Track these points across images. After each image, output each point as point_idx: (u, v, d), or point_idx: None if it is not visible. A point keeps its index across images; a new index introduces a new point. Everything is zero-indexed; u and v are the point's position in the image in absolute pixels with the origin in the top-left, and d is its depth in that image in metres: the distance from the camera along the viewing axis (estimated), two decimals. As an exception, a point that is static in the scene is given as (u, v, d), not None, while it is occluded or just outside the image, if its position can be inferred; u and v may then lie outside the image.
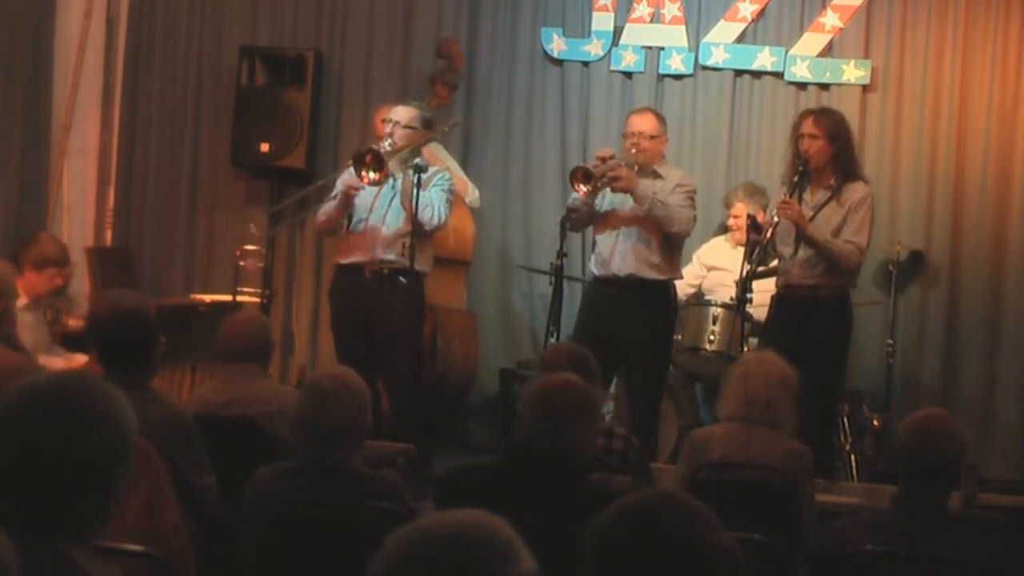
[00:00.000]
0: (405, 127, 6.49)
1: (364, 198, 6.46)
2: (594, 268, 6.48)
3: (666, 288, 6.44)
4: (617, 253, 6.35)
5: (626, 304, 6.34)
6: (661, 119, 6.54)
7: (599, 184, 6.23)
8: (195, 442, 4.09)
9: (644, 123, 6.44)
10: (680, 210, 6.31)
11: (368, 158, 6.25)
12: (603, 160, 6.30)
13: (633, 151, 6.34)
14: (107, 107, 8.39)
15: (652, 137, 6.39)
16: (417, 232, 6.32)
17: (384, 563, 1.64)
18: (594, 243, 6.54)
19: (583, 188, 6.23)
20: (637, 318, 6.32)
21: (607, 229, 6.43)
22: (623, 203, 6.38)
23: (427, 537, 1.65)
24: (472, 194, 7.49)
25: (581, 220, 6.49)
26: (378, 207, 6.46)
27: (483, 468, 3.97)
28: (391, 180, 6.40)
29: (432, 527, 1.66)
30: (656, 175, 6.37)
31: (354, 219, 6.51)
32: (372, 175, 6.25)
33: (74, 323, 6.52)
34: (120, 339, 4.10)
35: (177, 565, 3.09)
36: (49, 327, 6.27)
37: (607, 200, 6.42)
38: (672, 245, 6.41)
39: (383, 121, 6.66)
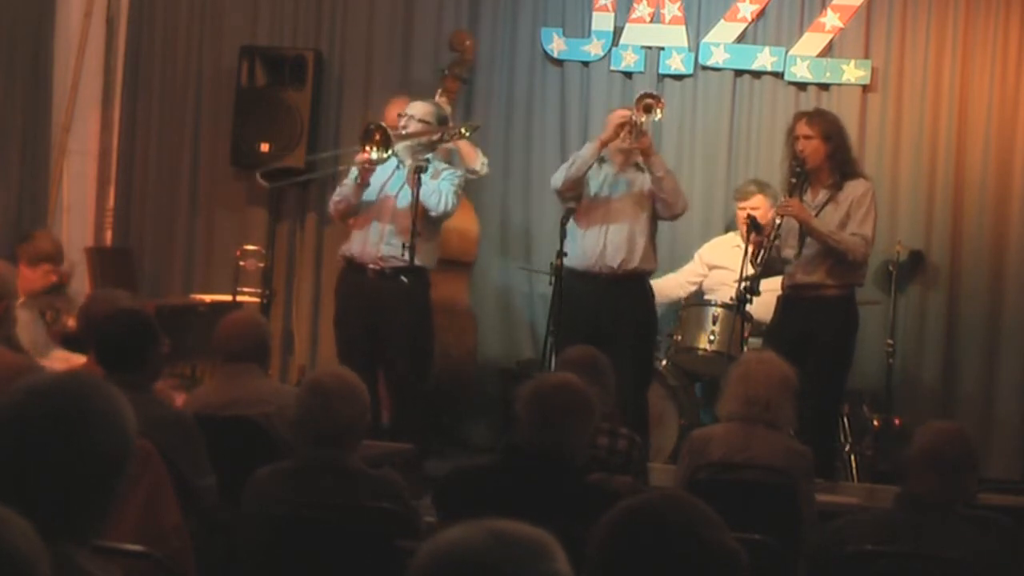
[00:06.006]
0: (420, 120, 6.54)
1: (373, 184, 6.46)
2: (576, 262, 6.46)
3: (649, 279, 6.59)
4: (610, 245, 6.40)
5: (614, 296, 6.38)
6: None
7: (634, 132, 6.33)
8: (195, 442, 4.09)
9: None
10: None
11: (377, 135, 6.28)
12: (621, 126, 6.35)
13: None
14: (107, 107, 8.38)
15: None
16: (424, 220, 6.32)
17: (422, 561, 1.65)
18: (566, 236, 6.49)
19: (643, 117, 6.32)
20: (625, 310, 6.36)
21: (595, 223, 6.44)
22: (616, 189, 6.45)
23: (463, 535, 1.66)
24: (480, 158, 7.17)
25: (573, 186, 6.47)
26: (388, 190, 6.48)
27: (481, 469, 3.97)
28: (400, 167, 6.41)
29: (468, 527, 1.67)
30: (639, 168, 6.45)
31: (363, 204, 6.51)
32: (376, 153, 6.27)
33: (74, 323, 6.51)
34: (114, 338, 4.09)
35: (177, 565, 3.09)
36: (49, 327, 6.26)
37: (604, 184, 6.48)
38: (653, 238, 6.54)
39: (398, 115, 6.65)
